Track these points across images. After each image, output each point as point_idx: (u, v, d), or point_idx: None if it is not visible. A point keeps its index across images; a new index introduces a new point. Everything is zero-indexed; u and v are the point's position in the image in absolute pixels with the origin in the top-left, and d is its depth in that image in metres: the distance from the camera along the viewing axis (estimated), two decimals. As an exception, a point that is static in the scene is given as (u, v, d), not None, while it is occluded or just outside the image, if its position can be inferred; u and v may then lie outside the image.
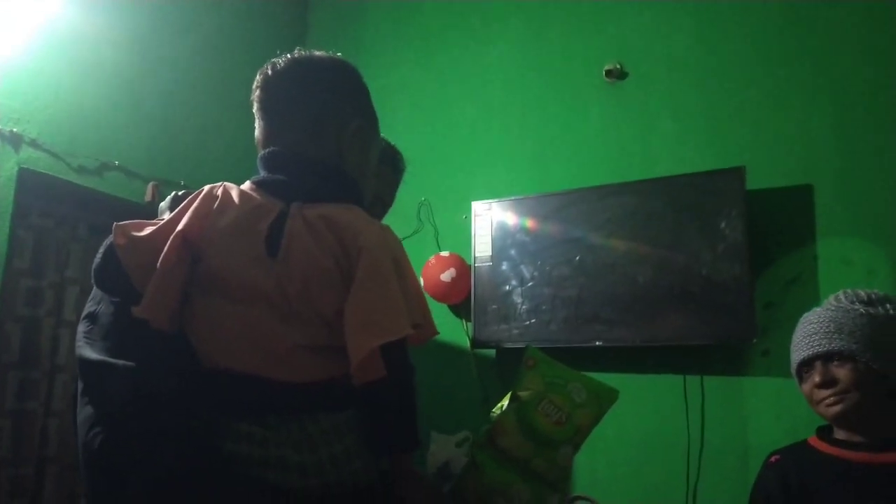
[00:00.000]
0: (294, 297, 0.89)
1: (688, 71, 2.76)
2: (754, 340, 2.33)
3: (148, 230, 0.94)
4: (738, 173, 2.46)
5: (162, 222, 0.95)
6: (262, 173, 1.01)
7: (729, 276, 2.41)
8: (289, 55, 1.07)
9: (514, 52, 3.20)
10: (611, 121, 2.88)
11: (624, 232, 2.64)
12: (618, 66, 2.86)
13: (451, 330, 2.99)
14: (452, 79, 3.34)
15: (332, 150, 1.02)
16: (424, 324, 0.97)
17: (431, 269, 2.93)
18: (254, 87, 1.07)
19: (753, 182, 2.46)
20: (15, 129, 2.33)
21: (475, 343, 2.87)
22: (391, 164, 1.47)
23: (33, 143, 2.39)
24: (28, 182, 2.39)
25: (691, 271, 2.48)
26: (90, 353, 0.90)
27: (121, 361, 0.87)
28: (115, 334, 0.91)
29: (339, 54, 1.11)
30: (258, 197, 0.96)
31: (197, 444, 0.84)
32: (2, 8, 2.31)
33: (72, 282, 2.61)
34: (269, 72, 1.05)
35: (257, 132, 1.06)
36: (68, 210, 2.63)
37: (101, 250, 0.97)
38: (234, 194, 0.97)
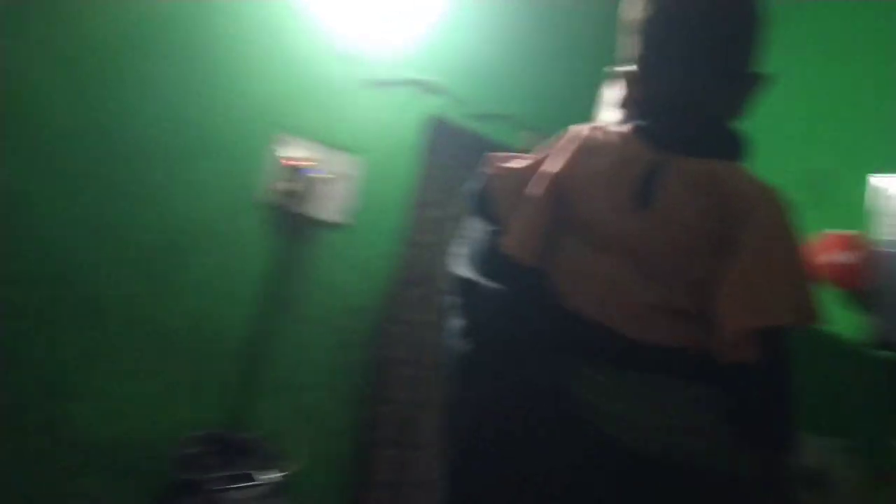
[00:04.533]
0: (659, 253, 0.83)
1: None
2: None
3: (517, 163, 0.95)
4: None
5: (531, 158, 0.95)
6: (638, 118, 0.93)
7: None
8: None
9: None
10: None
11: None
12: None
13: (842, 321, 2.52)
14: (869, 31, 2.71)
15: (729, 99, 0.91)
16: (808, 309, 0.82)
17: (821, 247, 2.50)
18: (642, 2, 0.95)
19: None
20: (433, 80, 2.70)
21: (878, 342, 2.37)
22: None
23: (445, 93, 2.74)
24: (439, 125, 2.74)
25: None
26: (463, 272, 0.95)
27: (491, 283, 0.90)
28: (485, 259, 0.93)
29: None
30: (633, 144, 0.89)
31: (552, 373, 0.84)
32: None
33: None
34: None
35: (636, 64, 0.95)
36: (464, 152, 2.94)
37: (476, 178, 1.01)
38: (608, 138, 0.91)
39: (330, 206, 2.44)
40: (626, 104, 0.96)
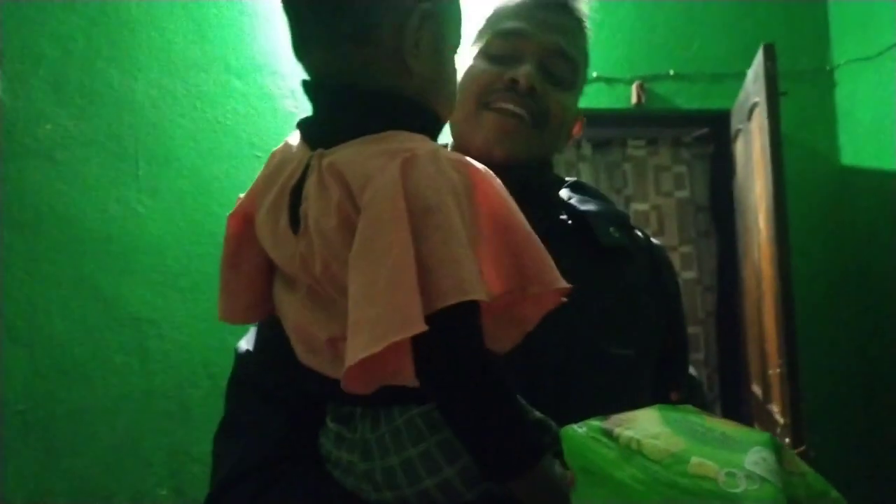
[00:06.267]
0: (320, 278, 0.67)
1: None
2: None
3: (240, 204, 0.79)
4: None
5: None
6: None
7: None
8: None
9: None
10: None
11: None
12: None
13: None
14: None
15: (390, 66, 0.70)
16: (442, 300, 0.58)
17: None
18: None
19: None
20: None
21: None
22: None
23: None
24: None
25: None
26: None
27: (245, 346, 0.88)
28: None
29: None
30: (294, 148, 0.72)
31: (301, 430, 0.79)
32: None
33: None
34: None
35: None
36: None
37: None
38: (280, 150, 0.76)
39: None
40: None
